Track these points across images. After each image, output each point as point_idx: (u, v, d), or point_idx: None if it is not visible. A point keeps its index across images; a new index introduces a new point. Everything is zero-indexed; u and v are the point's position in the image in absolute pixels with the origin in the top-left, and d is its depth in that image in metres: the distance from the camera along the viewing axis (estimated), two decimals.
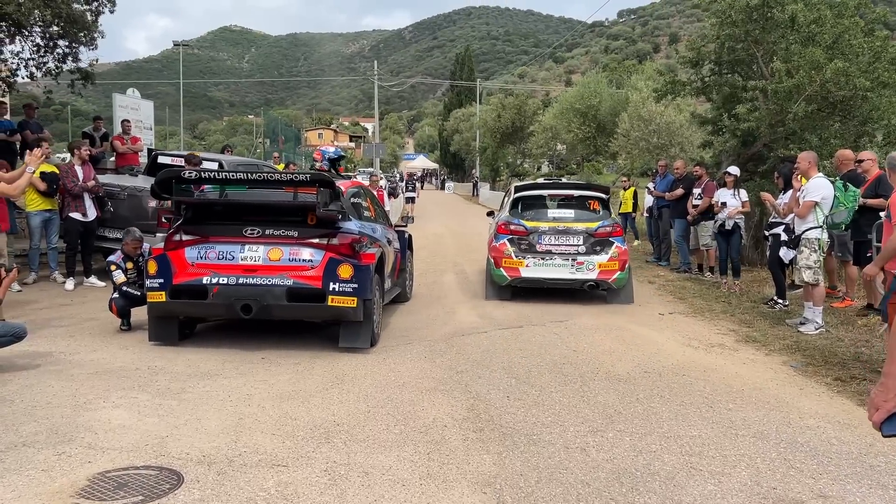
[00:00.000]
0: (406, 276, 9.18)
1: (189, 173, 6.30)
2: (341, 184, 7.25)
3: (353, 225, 6.79)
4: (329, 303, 6.28)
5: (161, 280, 6.37)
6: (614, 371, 6.15)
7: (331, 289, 6.27)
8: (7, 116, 12.47)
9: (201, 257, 6.43)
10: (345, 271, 6.29)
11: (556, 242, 9.42)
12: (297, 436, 4.41)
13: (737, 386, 5.77)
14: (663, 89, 13.68)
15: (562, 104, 26.83)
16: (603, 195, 10.32)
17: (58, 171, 9.78)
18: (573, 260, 9.33)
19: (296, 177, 6.26)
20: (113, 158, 13.77)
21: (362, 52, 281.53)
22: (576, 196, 10.33)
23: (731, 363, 6.54)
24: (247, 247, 6.43)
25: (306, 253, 6.41)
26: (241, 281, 6.28)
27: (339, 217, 6.50)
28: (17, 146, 12.16)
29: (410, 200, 30.30)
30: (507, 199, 10.91)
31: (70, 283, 9.65)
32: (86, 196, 9.77)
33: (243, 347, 6.62)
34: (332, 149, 8.38)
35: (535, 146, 32.37)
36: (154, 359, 6.16)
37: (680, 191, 12.67)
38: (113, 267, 7.45)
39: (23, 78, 12.84)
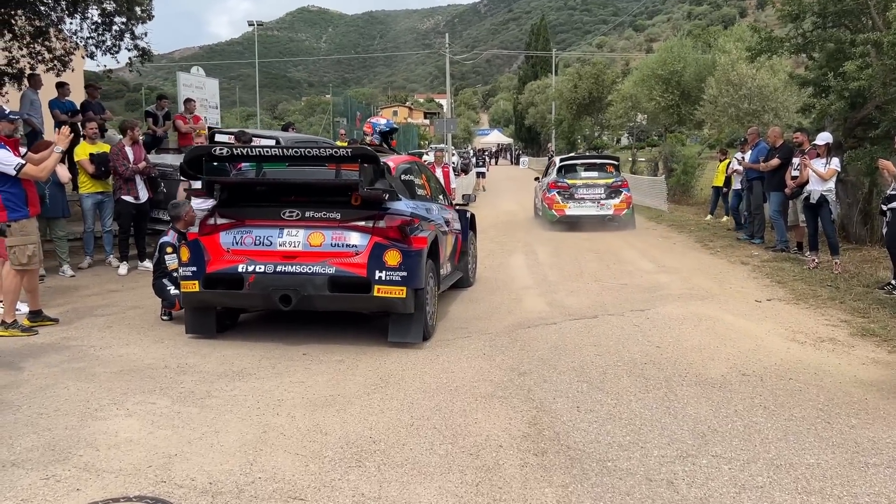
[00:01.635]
0: (468, 259, 8.41)
1: (220, 150, 5.71)
2: (391, 159, 6.52)
3: (402, 205, 6.06)
4: (375, 293, 5.59)
5: (194, 268, 5.82)
6: (706, 373, 5.23)
7: (377, 277, 5.57)
8: (69, 97, 12.31)
9: (237, 243, 5.85)
10: (392, 258, 5.58)
11: (587, 192, 14.75)
12: (324, 456, 3.75)
13: (858, 394, 4.77)
14: (758, 47, 12.29)
15: (642, 71, 25.11)
16: (615, 162, 16.22)
17: (108, 152, 9.45)
18: (598, 203, 14.64)
19: (336, 152, 5.56)
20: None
21: (437, 27, 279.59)
22: (598, 163, 16.11)
23: (848, 363, 5.50)
24: (285, 231, 5.80)
25: (350, 237, 5.73)
26: (279, 269, 5.67)
27: (386, 197, 5.77)
28: (80, 127, 11.98)
29: (481, 175, 30.92)
30: (551, 168, 16.61)
31: (123, 268, 9.35)
32: (137, 178, 9.41)
33: (285, 341, 6.02)
34: (383, 121, 7.63)
35: (614, 116, 30.68)
36: (186, 355, 5.63)
37: (776, 161, 11.36)
38: (169, 250, 6.90)
39: (83, 57, 12.70)
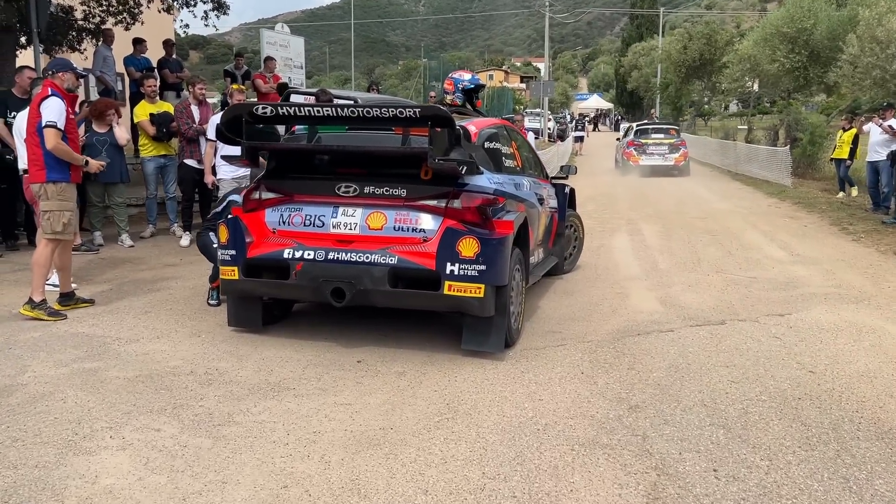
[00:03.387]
0: (562, 241, 7.12)
1: (262, 109, 4.67)
2: (472, 122, 5.31)
3: (485, 180, 4.86)
4: (446, 290, 4.45)
5: (233, 252, 4.86)
6: (887, 419, 3.83)
7: (448, 271, 4.44)
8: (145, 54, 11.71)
9: (284, 222, 4.84)
10: (468, 247, 4.42)
11: (655, 149, 20.41)
12: None
13: None
14: None
15: (765, 29, 22.46)
16: (676, 127, 22.97)
17: (171, 112, 8.68)
18: (663, 156, 20.26)
19: (401, 112, 4.41)
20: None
21: None
22: (664, 128, 21.87)
23: None
24: (340, 209, 4.74)
25: (417, 219, 4.61)
26: (331, 256, 4.62)
27: (463, 169, 4.58)
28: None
29: (579, 140, 31.08)
30: (630, 131, 22.65)
31: (185, 239, 8.61)
32: (202, 140, 8.61)
33: (339, 341, 5.00)
34: (467, 76, 6.39)
35: (730, 79, 27.91)
36: (220, 356, 4.70)
37: None
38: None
39: (159, 11, 12.09)
